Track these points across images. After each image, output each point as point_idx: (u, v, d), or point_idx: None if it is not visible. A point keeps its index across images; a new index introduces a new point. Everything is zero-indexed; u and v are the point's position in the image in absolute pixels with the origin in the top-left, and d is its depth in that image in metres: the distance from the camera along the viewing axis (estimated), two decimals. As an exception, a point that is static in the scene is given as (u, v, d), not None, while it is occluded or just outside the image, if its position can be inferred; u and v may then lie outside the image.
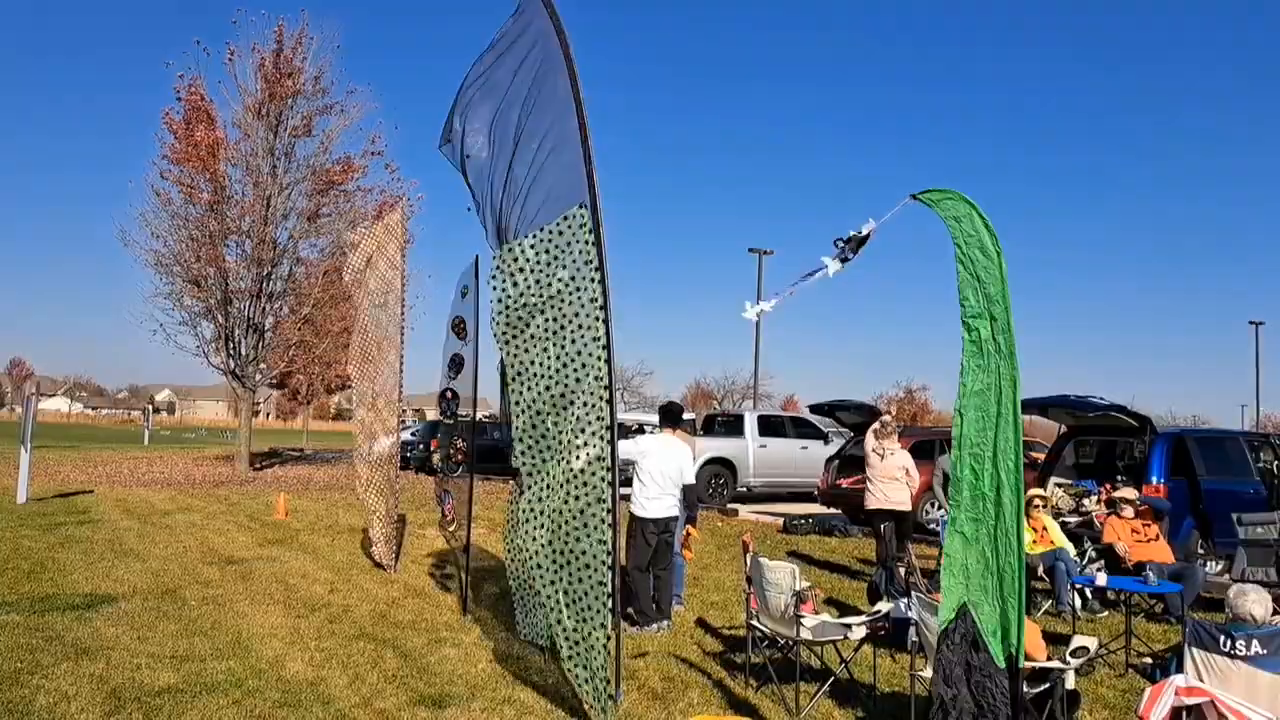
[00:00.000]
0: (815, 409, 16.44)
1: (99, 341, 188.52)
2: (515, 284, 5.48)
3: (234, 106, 23.90)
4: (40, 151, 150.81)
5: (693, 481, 8.18)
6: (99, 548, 11.24)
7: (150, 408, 70.63)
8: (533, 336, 5.40)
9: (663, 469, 7.94)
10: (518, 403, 5.49)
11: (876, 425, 10.27)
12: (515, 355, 5.47)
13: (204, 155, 22.90)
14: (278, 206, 23.86)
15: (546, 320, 5.36)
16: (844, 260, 4.72)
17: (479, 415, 9.66)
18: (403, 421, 10.67)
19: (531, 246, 5.45)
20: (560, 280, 5.30)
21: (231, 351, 24.17)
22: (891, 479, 9.91)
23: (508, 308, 5.48)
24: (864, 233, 4.63)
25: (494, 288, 5.55)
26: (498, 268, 5.56)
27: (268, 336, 24.69)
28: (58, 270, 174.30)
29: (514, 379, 5.47)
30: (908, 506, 10.03)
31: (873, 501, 10.04)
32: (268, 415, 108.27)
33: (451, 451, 9.48)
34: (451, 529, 9.46)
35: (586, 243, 5.20)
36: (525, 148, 5.63)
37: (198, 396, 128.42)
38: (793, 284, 4.85)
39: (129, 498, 17.45)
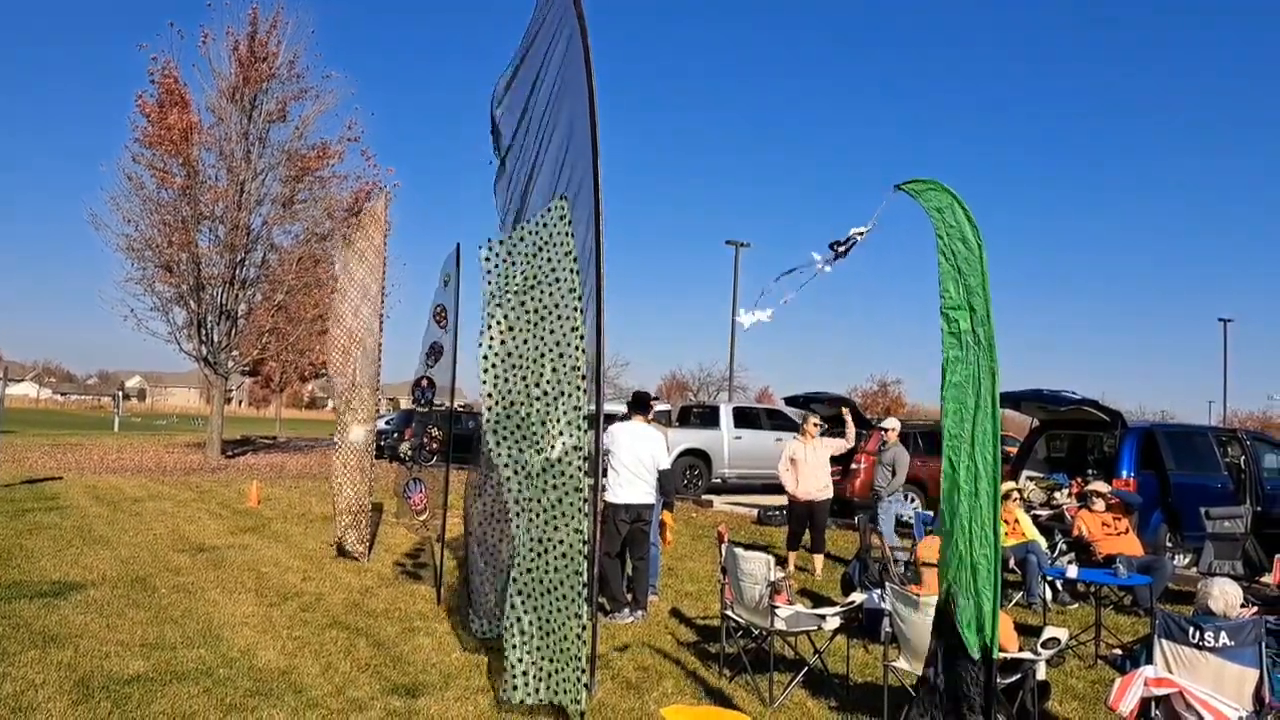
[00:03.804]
0: (790, 401, 16.53)
1: (68, 326, 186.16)
2: (504, 273, 5.46)
3: (208, 90, 23.67)
4: (13, 138, 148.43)
5: (667, 468, 8.23)
6: (68, 535, 11.11)
7: (121, 394, 69.79)
8: (513, 326, 5.38)
9: (635, 455, 7.98)
10: (495, 391, 5.46)
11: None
12: (495, 344, 5.45)
13: (177, 139, 22.62)
14: (252, 192, 23.64)
15: (527, 310, 5.34)
16: (836, 256, 4.74)
17: (455, 404, 9.59)
18: (378, 410, 10.60)
19: (520, 236, 5.44)
20: (541, 270, 5.29)
21: (204, 338, 23.93)
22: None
23: (495, 297, 5.46)
24: (862, 231, 4.64)
25: (486, 277, 5.53)
26: (492, 257, 5.54)
27: (241, 323, 24.47)
28: (26, 253, 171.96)
29: (493, 368, 5.44)
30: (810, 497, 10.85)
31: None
32: (240, 403, 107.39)
33: (426, 440, 9.42)
34: (424, 518, 9.40)
35: (566, 233, 5.19)
36: (543, 137, 5.65)
37: (169, 383, 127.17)
38: (786, 289, 4.87)
39: (99, 484, 17.26)
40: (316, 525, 12.78)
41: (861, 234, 4.60)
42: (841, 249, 4.66)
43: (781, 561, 10.98)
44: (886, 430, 11.31)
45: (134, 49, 39.24)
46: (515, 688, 5.25)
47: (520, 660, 5.26)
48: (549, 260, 5.26)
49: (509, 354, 5.38)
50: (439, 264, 9.32)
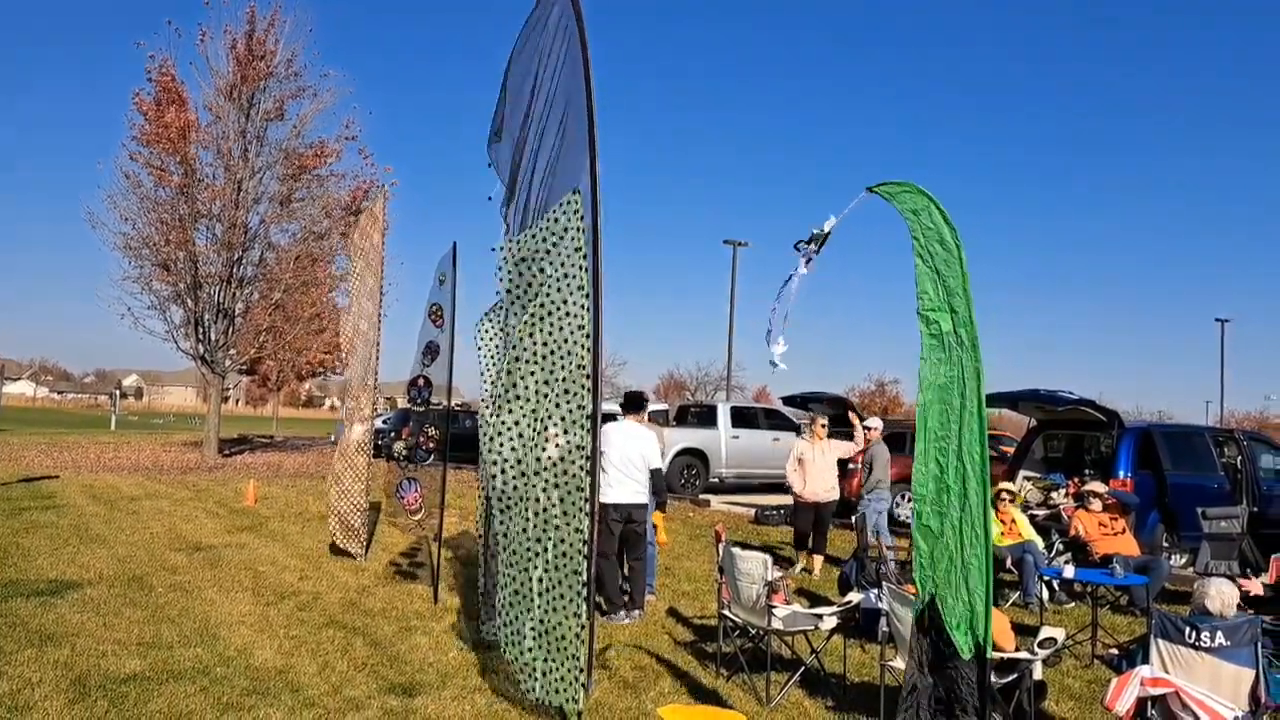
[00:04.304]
0: (788, 401, 16.53)
1: (65, 324, 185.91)
2: (516, 271, 5.46)
3: (205, 89, 23.64)
4: (9, 137, 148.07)
5: (658, 465, 8.22)
6: (64, 533, 11.10)
7: (118, 392, 69.78)
8: (524, 323, 5.38)
9: (624, 455, 7.99)
10: (506, 390, 5.46)
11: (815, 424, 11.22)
12: (508, 343, 5.45)
13: (174, 137, 22.59)
14: (249, 190, 23.61)
15: (537, 307, 5.34)
16: (809, 260, 4.76)
17: (453, 404, 9.59)
18: (375, 409, 10.60)
19: (531, 234, 5.43)
20: (552, 266, 5.28)
21: (201, 337, 23.90)
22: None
23: (508, 295, 5.46)
24: (825, 230, 4.66)
25: (499, 277, 5.53)
26: (504, 256, 5.54)
27: (238, 322, 24.44)
28: (23, 251, 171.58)
29: (504, 366, 5.44)
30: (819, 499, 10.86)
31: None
32: (237, 401, 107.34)
33: (423, 440, 9.41)
34: (418, 518, 9.40)
35: (578, 229, 5.17)
36: (545, 132, 5.64)
37: (166, 382, 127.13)
38: (783, 307, 4.90)
39: (95, 483, 17.24)
40: (313, 524, 12.77)
41: (822, 232, 4.62)
42: (808, 245, 4.69)
43: (784, 561, 10.98)
44: (869, 429, 11.31)
45: (131, 47, 39.24)
46: (530, 689, 5.27)
47: (522, 655, 5.28)
48: (559, 256, 5.25)
49: (522, 351, 5.38)
50: (436, 263, 9.33)
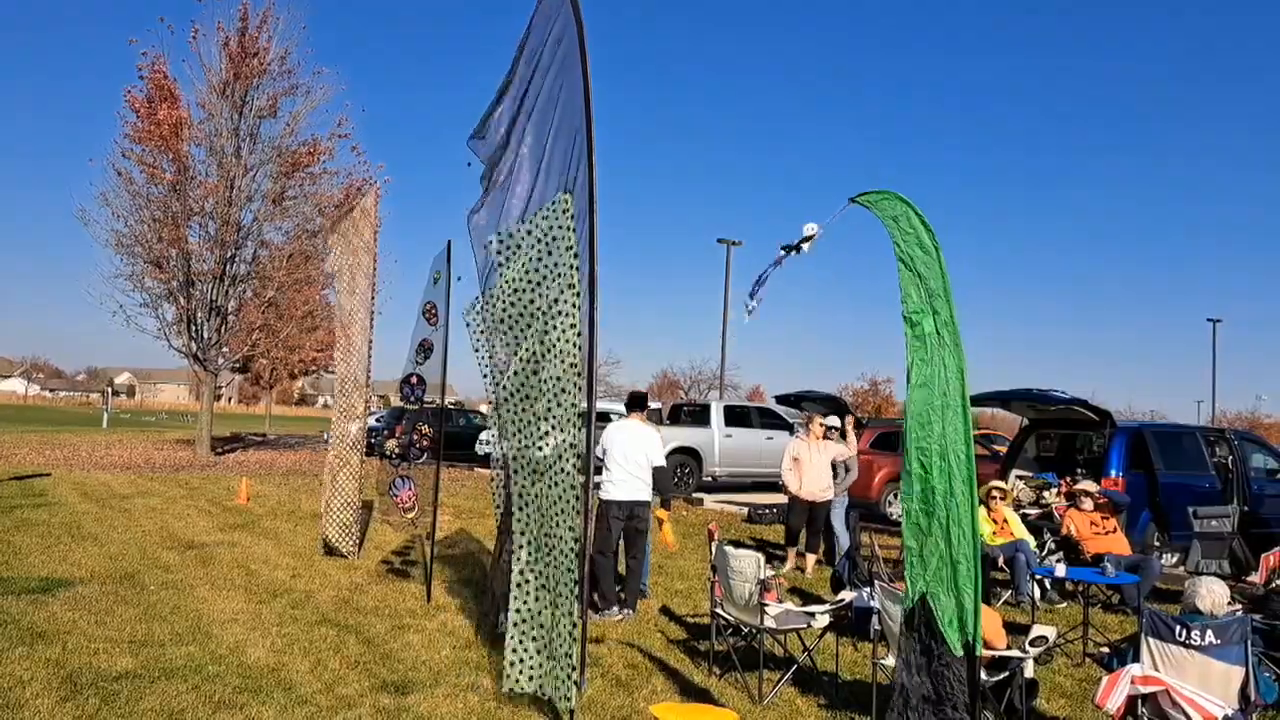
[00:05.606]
0: (782, 400, 16.54)
1: (57, 322, 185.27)
2: (507, 270, 5.46)
3: (198, 86, 23.63)
4: (4, 133, 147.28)
5: (662, 463, 8.27)
6: (56, 531, 11.06)
7: (109, 390, 69.59)
8: (517, 322, 5.39)
9: (628, 453, 8.02)
10: (503, 389, 5.47)
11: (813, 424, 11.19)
12: (502, 342, 5.46)
13: (167, 134, 22.55)
14: (242, 188, 23.59)
15: (529, 306, 5.35)
16: (778, 262, 4.86)
17: (446, 402, 9.58)
18: (368, 407, 10.58)
19: (527, 232, 5.44)
20: (544, 266, 5.29)
21: (193, 334, 23.86)
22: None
23: (499, 294, 5.47)
24: (805, 234, 4.73)
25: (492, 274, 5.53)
26: (496, 253, 5.55)
27: (230, 320, 24.39)
28: (12, 248, 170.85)
29: (500, 365, 5.46)
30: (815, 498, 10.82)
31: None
32: (230, 399, 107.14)
33: (416, 438, 9.40)
34: (412, 515, 9.39)
35: (568, 229, 5.19)
36: (536, 131, 5.64)
37: (158, 379, 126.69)
38: (760, 286, 5.00)
39: (87, 481, 17.19)
40: (306, 522, 12.75)
41: (801, 237, 4.70)
42: (793, 248, 4.77)
43: (778, 560, 11.00)
44: (833, 430, 11.30)
45: (124, 44, 39.13)
46: (515, 678, 5.27)
47: (517, 649, 5.28)
48: (550, 255, 5.26)
49: (516, 349, 5.39)
50: (431, 261, 9.32)
